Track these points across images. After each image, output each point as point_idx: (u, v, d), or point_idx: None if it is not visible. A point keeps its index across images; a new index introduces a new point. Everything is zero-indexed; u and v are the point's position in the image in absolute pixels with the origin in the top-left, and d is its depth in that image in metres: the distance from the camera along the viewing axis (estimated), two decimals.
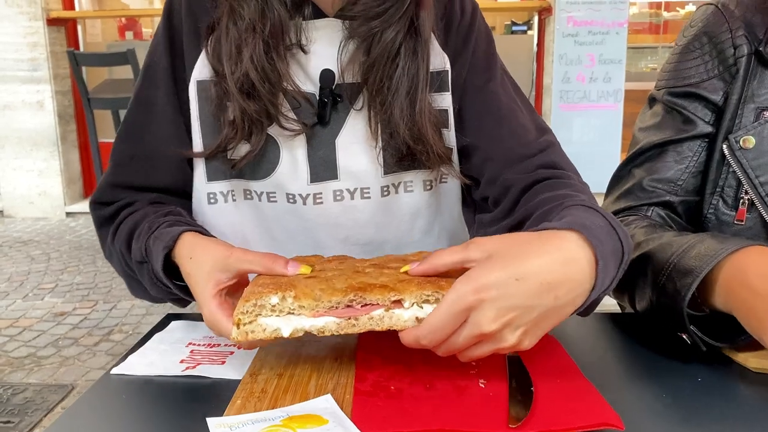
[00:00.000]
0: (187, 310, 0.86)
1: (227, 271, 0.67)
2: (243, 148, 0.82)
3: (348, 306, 0.57)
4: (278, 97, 0.80)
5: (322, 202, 0.85)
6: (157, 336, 0.77)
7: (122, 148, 0.87)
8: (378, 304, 0.57)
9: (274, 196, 0.85)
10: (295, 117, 0.81)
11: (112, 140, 3.15)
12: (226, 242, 0.73)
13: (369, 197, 0.87)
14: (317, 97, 0.83)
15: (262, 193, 0.85)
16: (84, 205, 4.43)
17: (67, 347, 2.56)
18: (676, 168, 0.91)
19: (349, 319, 0.57)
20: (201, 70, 0.84)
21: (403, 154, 0.84)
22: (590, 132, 4.05)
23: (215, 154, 0.83)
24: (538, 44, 4.27)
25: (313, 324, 0.57)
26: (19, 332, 2.70)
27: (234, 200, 0.87)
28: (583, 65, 3.99)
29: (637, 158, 0.96)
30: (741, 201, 0.86)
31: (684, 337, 0.71)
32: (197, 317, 0.82)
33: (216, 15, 0.81)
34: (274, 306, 0.58)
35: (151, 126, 0.85)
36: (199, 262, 0.70)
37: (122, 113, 4.25)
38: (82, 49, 4.52)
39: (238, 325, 0.58)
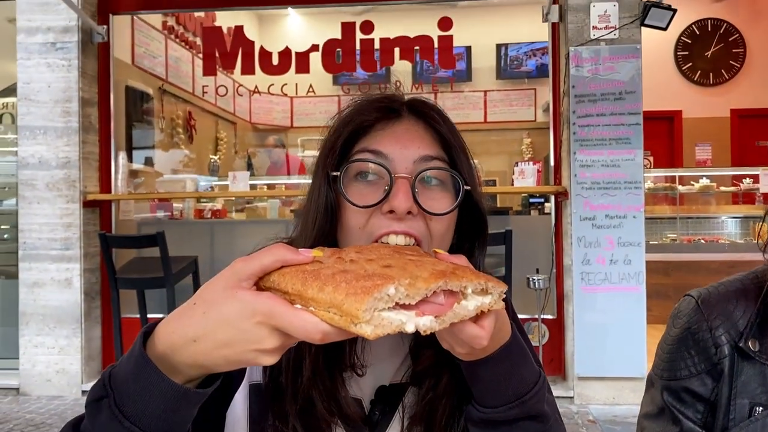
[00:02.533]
0: None
1: (242, 280, 0.59)
2: None
3: (435, 293, 0.59)
4: (334, 415, 0.80)
5: None
6: None
7: None
8: (454, 291, 0.61)
9: None
10: None
11: (136, 316, 3.15)
12: None
13: None
14: (366, 409, 0.84)
15: None
16: None
17: None
18: None
19: (438, 317, 0.59)
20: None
21: None
22: (614, 314, 3.99)
23: None
24: (556, 225, 4.34)
25: (423, 323, 0.59)
26: None
27: None
28: (603, 248, 4.02)
29: None
30: None
31: None
32: None
33: None
34: (388, 298, 0.56)
35: None
36: (206, 296, 0.60)
37: (147, 293, 4.34)
38: (113, 225, 4.70)
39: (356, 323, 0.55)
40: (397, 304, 0.57)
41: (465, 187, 0.81)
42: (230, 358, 0.58)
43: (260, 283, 0.62)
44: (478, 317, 0.65)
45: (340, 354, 0.82)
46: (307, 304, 0.58)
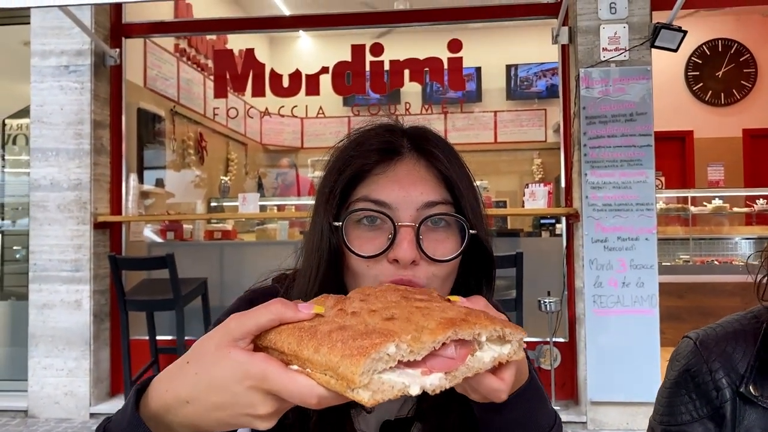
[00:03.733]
0: None
1: (236, 339, 0.56)
2: None
3: (444, 345, 0.55)
4: None
5: None
6: None
7: None
8: (465, 339, 0.56)
9: None
10: None
11: (145, 337, 3.19)
12: None
13: None
14: None
15: None
16: (109, 406, 4.35)
17: None
18: None
19: (448, 373, 0.56)
20: None
21: None
22: (627, 337, 3.94)
23: None
24: (567, 248, 4.31)
25: (431, 383, 0.55)
26: None
27: None
28: (615, 270, 3.98)
29: None
30: None
31: None
32: None
33: None
34: (389, 357, 0.52)
35: None
36: (199, 354, 0.58)
37: (156, 315, 4.33)
38: (124, 247, 4.71)
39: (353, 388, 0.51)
40: (400, 362, 0.53)
41: (470, 231, 0.79)
42: (223, 420, 0.57)
43: (257, 341, 0.59)
44: (496, 368, 0.61)
45: None
46: (304, 365, 0.55)
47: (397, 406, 0.84)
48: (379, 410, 0.83)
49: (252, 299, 0.87)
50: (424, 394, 0.82)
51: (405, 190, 0.78)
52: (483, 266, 0.84)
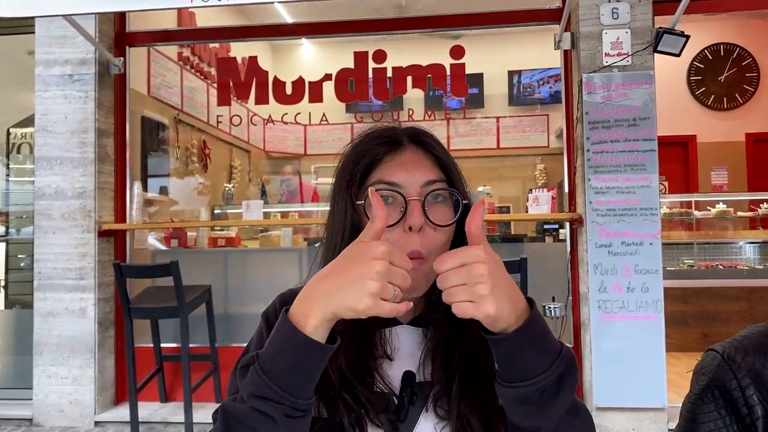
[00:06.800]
0: None
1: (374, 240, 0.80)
2: None
3: None
4: (373, 393, 0.93)
5: None
6: None
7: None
8: None
9: None
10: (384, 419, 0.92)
11: (149, 345, 3.19)
12: None
13: None
14: (396, 397, 0.95)
15: None
16: (114, 414, 4.35)
17: None
18: None
19: None
20: None
21: None
22: (632, 342, 3.92)
23: None
24: (571, 253, 4.30)
25: None
26: None
27: None
28: (620, 275, 3.97)
29: None
30: None
31: None
32: None
33: None
34: None
35: None
36: (341, 264, 0.80)
37: (161, 322, 4.34)
38: (128, 254, 4.71)
39: None
40: None
41: (464, 202, 0.97)
42: (345, 286, 0.78)
43: None
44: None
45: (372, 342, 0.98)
46: None
47: (415, 361, 0.98)
48: (399, 362, 0.98)
49: (284, 299, 1.05)
50: (436, 353, 0.96)
51: (410, 172, 0.97)
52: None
